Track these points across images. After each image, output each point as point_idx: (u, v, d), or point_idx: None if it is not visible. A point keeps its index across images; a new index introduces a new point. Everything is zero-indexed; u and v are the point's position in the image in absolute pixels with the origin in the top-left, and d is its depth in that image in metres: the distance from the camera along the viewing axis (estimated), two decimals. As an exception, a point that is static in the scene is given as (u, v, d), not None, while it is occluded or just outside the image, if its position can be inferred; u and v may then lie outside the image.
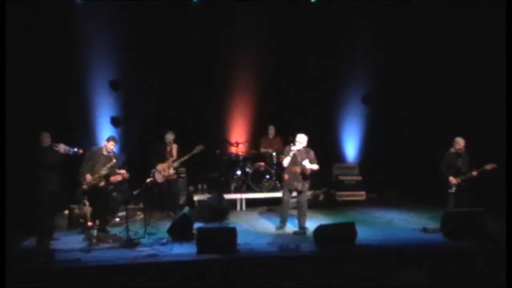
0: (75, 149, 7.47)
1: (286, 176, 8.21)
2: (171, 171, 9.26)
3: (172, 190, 9.38)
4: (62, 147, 7.39)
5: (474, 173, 7.98)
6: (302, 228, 8.07)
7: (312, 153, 8.17)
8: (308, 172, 8.04)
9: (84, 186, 7.91)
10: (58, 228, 8.04)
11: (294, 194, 8.29)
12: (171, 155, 9.33)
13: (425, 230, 8.03)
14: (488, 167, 7.92)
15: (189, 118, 10.63)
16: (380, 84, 11.19)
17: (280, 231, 8.18)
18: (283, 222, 8.30)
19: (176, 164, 9.26)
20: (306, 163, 7.97)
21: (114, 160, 8.02)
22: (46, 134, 7.49)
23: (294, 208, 8.45)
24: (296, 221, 8.31)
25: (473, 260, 6.64)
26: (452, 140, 8.28)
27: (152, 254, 6.87)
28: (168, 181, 9.29)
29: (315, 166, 8.06)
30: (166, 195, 9.41)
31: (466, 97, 10.07)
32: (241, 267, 6.57)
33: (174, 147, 9.39)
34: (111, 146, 8.09)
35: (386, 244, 7.34)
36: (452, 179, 8.05)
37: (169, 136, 9.38)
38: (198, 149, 9.22)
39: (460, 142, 8.15)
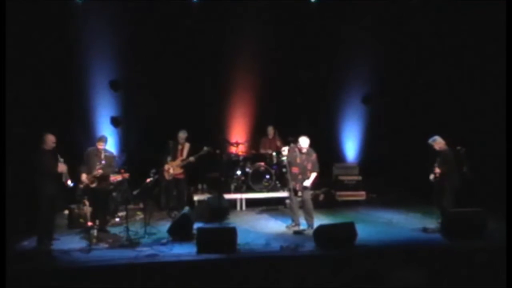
0: (69, 182, 7.38)
1: (288, 175, 8.30)
2: (179, 170, 9.29)
3: (179, 189, 9.41)
4: (62, 167, 7.29)
5: (431, 176, 8.14)
6: (310, 226, 8.08)
7: (314, 155, 8.22)
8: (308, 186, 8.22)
9: (81, 186, 7.99)
10: (58, 228, 8.03)
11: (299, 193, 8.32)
12: (182, 154, 9.35)
13: (425, 230, 8.03)
14: (436, 170, 8.06)
15: (189, 118, 10.61)
16: (380, 84, 11.18)
17: (292, 230, 8.18)
18: (294, 222, 8.29)
19: (183, 163, 9.27)
20: (307, 183, 8.12)
21: (103, 162, 7.92)
22: (51, 137, 7.37)
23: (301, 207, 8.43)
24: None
25: (473, 260, 6.64)
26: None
27: (152, 254, 6.87)
28: (176, 179, 9.32)
29: (311, 179, 8.17)
30: (173, 194, 9.43)
31: (466, 97, 10.07)
32: (241, 267, 6.57)
33: (186, 146, 9.42)
34: (100, 147, 8.04)
35: (386, 244, 7.34)
36: (431, 175, 8.19)
37: (181, 135, 9.43)
38: (205, 151, 9.25)
39: (431, 144, 8.22)
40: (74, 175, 8.20)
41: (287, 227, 8.37)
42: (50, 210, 7.34)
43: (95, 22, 10.22)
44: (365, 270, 6.48)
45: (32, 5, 9.36)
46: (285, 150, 8.27)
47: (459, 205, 7.89)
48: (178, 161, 9.33)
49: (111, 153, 8.37)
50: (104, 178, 8.02)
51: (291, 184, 8.15)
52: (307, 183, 8.16)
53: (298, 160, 8.13)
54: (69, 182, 7.42)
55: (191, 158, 9.26)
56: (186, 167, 9.38)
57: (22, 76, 9.27)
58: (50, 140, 7.34)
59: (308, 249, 7.06)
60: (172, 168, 9.30)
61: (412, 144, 10.48)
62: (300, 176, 8.14)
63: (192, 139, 9.60)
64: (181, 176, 9.38)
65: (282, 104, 11.12)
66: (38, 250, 7.05)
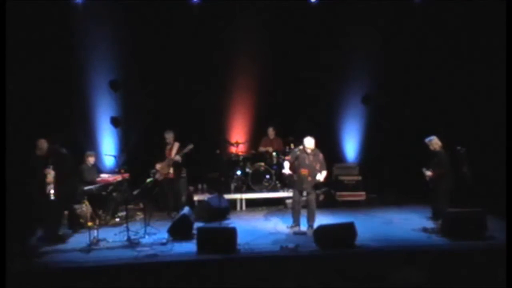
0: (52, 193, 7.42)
1: (294, 177, 8.31)
2: (170, 170, 9.26)
3: (175, 189, 9.40)
4: (50, 178, 7.35)
5: (427, 172, 8.31)
6: (311, 226, 8.07)
7: (321, 155, 8.21)
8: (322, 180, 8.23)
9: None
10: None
11: (305, 193, 8.33)
12: (170, 154, 9.34)
13: (425, 230, 8.03)
14: (430, 173, 8.27)
15: (189, 118, 10.63)
16: (380, 84, 11.18)
17: (292, 230, 8.18)
18: (295, 222, 8.28)
19: (170, 162, 9.24)
20: (320, 177, 8.12)
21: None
22: (43, 143, 7.47)
23: (304, 207, 8.43)
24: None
25: (473, 260, 6.64)
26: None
27: (152, 254, 6.87)
28: (170, 180, 9.31)
29: (323, 175, 8.18)
30: (169, 194, 9.42)
31: (467, 97, 10.08)
32: (241, 267, 6.58)
33: (175, 146, 9.37)
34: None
35: (386, 244, 7.34)
36: (427, 172, 8.35)
37: (167, 135, 9.40)
38: (187, 148, 9.16)
39: (427, 143, 8.36)
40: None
41: (288, 227, 8.36)
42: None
43: (95, 22, 10.22)
44: (365, 270, 6.49)
45: (32, 5, 9.38)
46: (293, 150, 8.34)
47: (458, 205, 7.91)
48: (168, 161, 9.30)
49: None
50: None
51: (302, 186, 8.12)
52: (320, 177, 8.14)
53: (306, 161, 8.10)
54: (52, 192, 7.42)
55: (177, 157, 9.22)
56: (175, 166, 9.32)
57: (22, 76, 9.29)
58: (42, 145, 7.45)
59: (308, 249, 7.06)
60: (162, 169, 9.25)
61: (412, 144, 10.50)
62: (310, 178, 8.11)
63: (192, 139, 9.60)
64: (172, 176, 9.32)
65: (282, 104, 11.11)
66: (37, 250, 7.06)
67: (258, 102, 11.18)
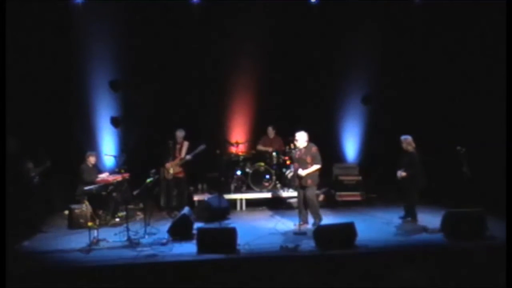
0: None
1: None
2: (178, 169, 9.31)
3: (179, 188, 9.42)
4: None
5: (403, 174, 8.49)
6: (314, 224, 8.06)
7: (314, 149, 8.16)
8: (304, 175, 8.03)
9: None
10: (58, 228, 8.26)
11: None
12: (180, 153, 9.39)
13: (425, 230, 8.04)
14: (402, 174, 8.50)
15: (189, 118, 10.62)
16: (380, 84, 11.17)
17: (292, 230, 8.17)
18: (302, 220, 8.25)
19: (181, 162, 9.29)
20: (301, 172, 7.99)
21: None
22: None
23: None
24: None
25: (473, 260, 6.65)
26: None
27: (152, 254, 6.88)
28: (176, 179, 9.35)
29: (310, 170, 8.03)
30: (174, 193, 9.46)
31: (466, 97, 10.08)
32: (241, 267, 6.58)
33: (185, 145, 9.45)
34: None
35: (386, 244, 7.34)
36: (398, 173, 8.59)
37: (179, 134, 9.47)
38: (201, 148, 9.25)
39: (401, 141, 8.62)
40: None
41: (295, 225, 8.31)
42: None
43: (95, 22, 10.21)
44: (365, 270, 6.49)
45: (32, 5, 9.37)
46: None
47: (458, 205, 7.92)
48: (177, 160, 9.36)
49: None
50: None
51: (295, 180, 8.12)
52: (302, 172, 7.99)
53: (297, 156, 8.13)
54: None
55: (188, 156, 9.27)
56: (185, 165, 9.39)
57: (22, 76, 9.29)
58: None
59: (308, 249, 7.06)
60: (172, 168, 9.32)
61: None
62: (299, 172, 8.11)
63: (192, 139, 9.60)
64: (181, 175, 9.41)
65: (282, 104, 11.11)
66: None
67: (258, 102, 11.18)
